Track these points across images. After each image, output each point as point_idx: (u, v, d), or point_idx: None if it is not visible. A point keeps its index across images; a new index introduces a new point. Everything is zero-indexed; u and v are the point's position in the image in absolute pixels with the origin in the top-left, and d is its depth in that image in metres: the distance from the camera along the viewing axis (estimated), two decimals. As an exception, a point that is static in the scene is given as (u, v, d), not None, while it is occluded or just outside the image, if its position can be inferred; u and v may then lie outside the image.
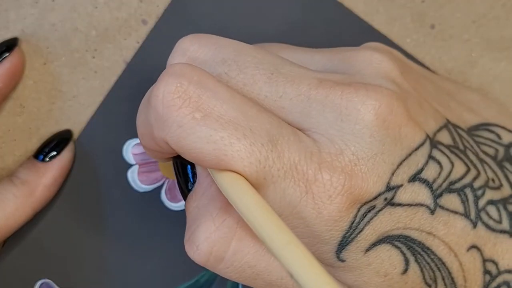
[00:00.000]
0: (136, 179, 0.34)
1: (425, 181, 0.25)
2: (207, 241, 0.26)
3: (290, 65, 0.26)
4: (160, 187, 0.34)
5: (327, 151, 0.24)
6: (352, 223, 0.25)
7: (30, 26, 0.33)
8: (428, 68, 0.34)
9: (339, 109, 0.25)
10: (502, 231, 0.27)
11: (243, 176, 0.23)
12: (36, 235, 0.33)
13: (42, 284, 0.33)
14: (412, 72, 0.29)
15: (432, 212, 0.25)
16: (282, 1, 0.33)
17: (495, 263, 0.27)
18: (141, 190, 0.34)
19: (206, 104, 0.24)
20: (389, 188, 0.25)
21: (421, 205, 0.25)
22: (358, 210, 0.25)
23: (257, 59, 0.26)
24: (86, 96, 0.33)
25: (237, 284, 0.34)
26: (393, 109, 0.25)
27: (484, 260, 0.26)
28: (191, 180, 0.28)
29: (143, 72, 0.33)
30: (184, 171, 0.28)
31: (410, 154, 0.25)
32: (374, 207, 0.25)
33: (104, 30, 0.33)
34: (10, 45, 0.32)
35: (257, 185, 0.24)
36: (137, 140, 0.34)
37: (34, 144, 0.33)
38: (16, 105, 0.33)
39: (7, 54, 0.32)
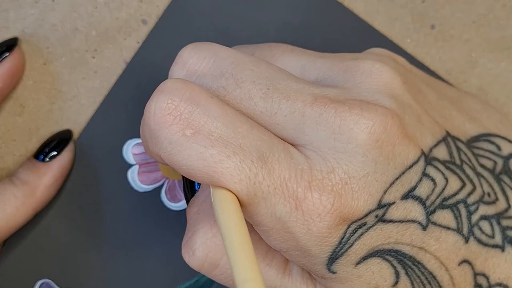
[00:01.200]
0: (136, 179, 0.34)
1: (418, 198, 0.26)
2: (203, 246, 0.26)
3: (287, 79, 0.26)
4: (160, 187, 0.34)
5: (318, 169, 0.24)
6: (342, 239, 0.25)
7: (30, 26, 0.33)
8: (428, 68, 0.34)
9: (332, 128, 0.25)
10: (495, 246, 0.27)
11: (234, 193, 0.24)
12: (36, 235, 0.33)
13: (42, 284, 0.33)
14: (415, 80, 0.29)
15: (424, 228, 0.26)
16: (282, 1, 0.33)
17: (486, 276, 0.27)
18: (141, 190, 0.34)
19: (197, 120, 0.24)
20: (380, 206, 0.25)
21: (413, 221, 0.26)
22: (348, 227, 0.25)
23: (255, 73, 0.26)
24: (86, 96, 0.33)
25: (237, 284, 0.34)
26: (387, 128, 0.25)
27: (475, 274, 0.27)
28: (196, 188, 0.28)
29: (143, 72, 0.33)
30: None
31: (403, 173, 0.25)
32: (365, 223, 0.25)
33: (104, 30, 0.33)
34: (10, 45, 0.32)
35: (248, 201, 0.24)
36: (137, 140, 0.34)
37: (34, 144, 0.33)
38: (16, 105, 0.33)
39: (7, 54, 0.32)
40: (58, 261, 0.33)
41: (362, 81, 0.26)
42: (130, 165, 0.34)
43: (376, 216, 0.25)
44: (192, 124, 0.24)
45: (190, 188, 0.29)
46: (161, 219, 0.34)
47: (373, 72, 0.27)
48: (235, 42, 0.33)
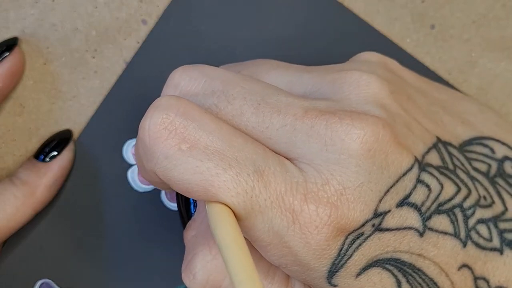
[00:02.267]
0: (136, 179, 0.34)
1: (413, 205, 0.26)
2: (203, 270, 0.26)
3: (277, 94, 0.26)
4: (160, 187, 0.34)
5: (313, 181, 0.24)
6: (341, 251, 0.25)
7: (30, 26, 0.33)
8: (428, 68, 0.34)
9: (323, 139, 0.25)
10: (493, 249, 0.27)
11: (231, 207, 0.24)
12: (36, 235, 0.33)
13: (42, 284, 0.33)
14: (404, 87, 0.29)
15: (421, 234, 0.26)
16: (282, 1, 0.33)
17: (486, 280, 0.27)
18: (141, 190, 0.34)
19: (192, 135, 0.24)
20: (376, 215, 0.25)
21: (410, 228, 0.25)
22: (346, 238, 0.25)
23: (245, 90, 0.26)
24: (86, 96, 0.33)
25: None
26: (378, 137, 0.25)
27: (476, 278, 0.26)
28: (192, 211, 0.28)
29: (143, 72, 0.33)
30: (187, 200, 0.29)
31: (397, 181, 0.25)
32: (362, 234, 0.25)
33: (104, 30, 0.33)
34: (10, 45, 0.32)
35: (244, 215, 0.24)
36: (137, 140, 0.34)
37: (34, 144, 0.33)
38: (16, 105, 0.33)
39: (7, 54, 0.32)
40: (58, 261, 0.33)
41: (350, 93, 0.26)
42: (130, 165, 0.34)
43: (373, 226, 0.25)
44: (188, 138, 0.24)
45: (186, 211, 0.29)
46: (161, 219, 0.34)
47: (361, 83, 0.27)
48: (235, 41, 0.33)
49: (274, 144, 0.25)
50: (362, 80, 0.27)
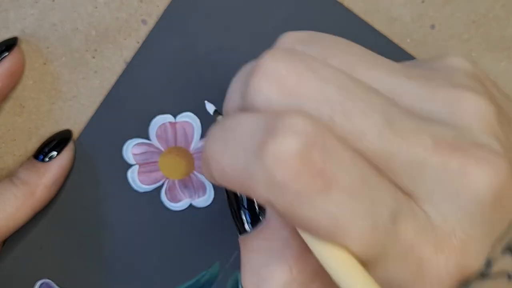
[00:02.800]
0: (136, 179, 0.34)
1: (511, 251, 0.24)
2: None
3: (400, 114, 0.22)
4: (160, 187, 0.34)
5: (440, 229, 0.22)
6: None
7: (30, 26, 0.33)
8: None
9: (456, 184, 0.22)
10: None
11: (354, 254, 0.21)
12: (36, 235, 0.33)
13: (42, 284, 0.33)
14: (501, 110, 0.25)
15: (511, 278, 0.24)
16: (282, 1, 0.33)
17: None
18: (141, 190, 0.34)
19: (329, 171, 0.21)
20: (486, 263, 0.23)
21: (506, 274, 0.23)
22: None
23: (365, 103, 0.22)
24: (86, 96, 0.33)
25: (237, 285, 0.34)
26: (506, 182, 0.22)
27: None
28: (245, 205, 0.26)
29: (143, 72, 0.33)
30: (238, 202, 0.27)
31: (509, 227, 0.23)
32: (468, 283, 0.23)
33: (104, 30, 0.33)
34: (10, 44, 0.32)
35: (365, 263, 0.21)
36: (137, 140, 0.33)
37: (34, 144, 0.33)
38: (16, 105, 0.33)
39: (7, 54, 0.32)
40: (58, 261, 0.33)
41: (471, 122, 0.23)
42: (130, 165, 0.34)
43: (482, 275, 0.23)
44: (324, 175, 0.20)
45: (238, 214, 0.27)
46: (161, 219, 0.34)
47: (480, 110, 0.23)
48: (235, 42, 0.33)
49: (396, 178, 0.22)
50: (481, 106, 0.23)
